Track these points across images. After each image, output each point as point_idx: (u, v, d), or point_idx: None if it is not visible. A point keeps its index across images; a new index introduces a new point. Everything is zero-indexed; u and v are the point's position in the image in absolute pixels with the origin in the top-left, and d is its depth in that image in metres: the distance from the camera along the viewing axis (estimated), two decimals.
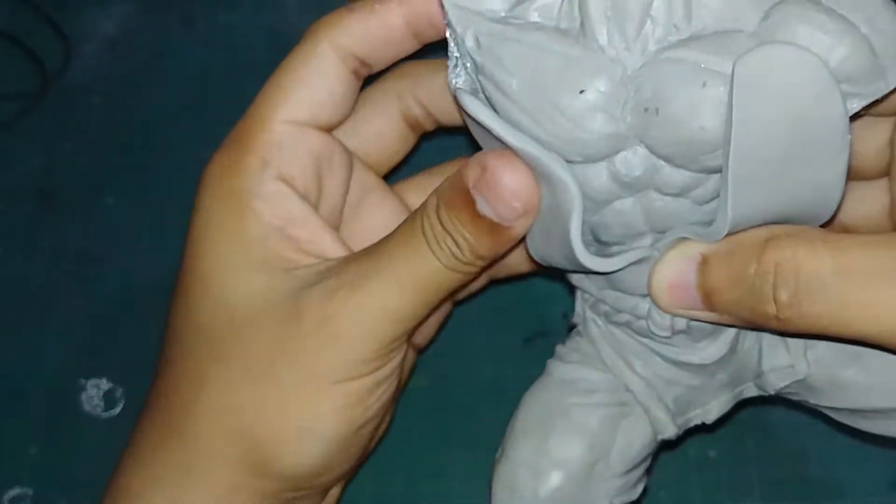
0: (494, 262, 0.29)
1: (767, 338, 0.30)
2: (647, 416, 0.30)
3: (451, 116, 0.34)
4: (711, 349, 0.29)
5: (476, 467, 0.36)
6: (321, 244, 0.30)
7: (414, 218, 0.28)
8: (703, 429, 0.32)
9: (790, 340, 0.30)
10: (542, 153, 0.26)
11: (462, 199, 0.27)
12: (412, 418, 0.37)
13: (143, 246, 0.42)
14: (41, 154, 0.44)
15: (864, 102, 0.26)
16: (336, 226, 0.33)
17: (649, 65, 0.25)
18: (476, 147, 0.29)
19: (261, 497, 0.30)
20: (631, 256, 0.28)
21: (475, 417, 0.38)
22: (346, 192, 0.33)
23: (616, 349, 0.30)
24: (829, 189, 0.26)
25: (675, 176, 0.26)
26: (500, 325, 0.39)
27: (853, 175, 0.28)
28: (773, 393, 0.30)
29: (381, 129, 0.34)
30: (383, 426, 0.33)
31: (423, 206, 0.28)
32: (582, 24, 0.26)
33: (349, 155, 0.33)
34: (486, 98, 0.27)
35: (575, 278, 0.31)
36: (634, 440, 0.30)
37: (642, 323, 0.29)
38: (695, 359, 0.30)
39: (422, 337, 0.36)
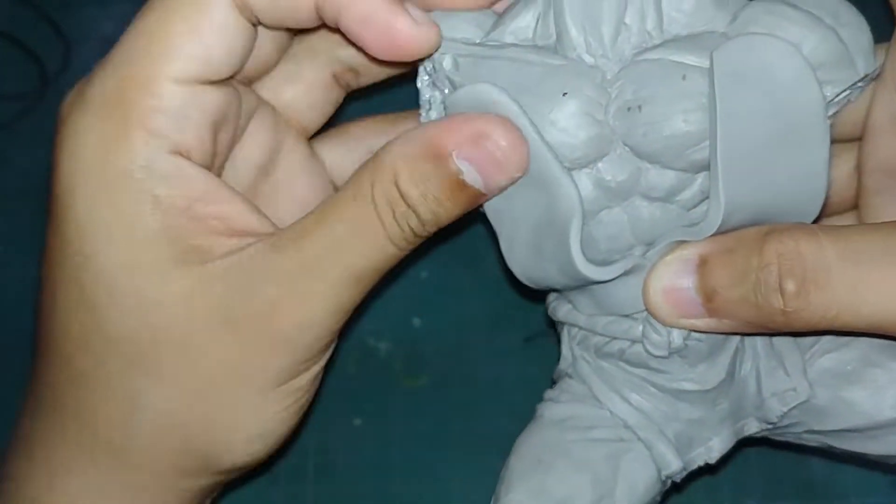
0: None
1: (765, 362, 0.29)
2: (649, 451, 0.29)
3: (377, 73, 0.32)
4: (709, 373, 0.28)
5: (476, 467, 0.36)
6: (236, 220, 0.27)
7: (361, 195, 0.26)
8: (706, 470, 0.31)
9: (789, 362, 0.29)
10: (562, 171, 0.25)
11: (441, 168, 0.25)
12: (412, 418, 0.37)
13: None
14: (41, 154, 0.44)
15: (838, 89, 0.27)
16: (249, 189, 0.30)
17: (628, 68, 0.26)
18: None
19: (195, 493, 0.30)
20: (624, 265, 0.27)
21: (475, 417, 0.38)
22: (260, 150, 0.30)
23: (609, 384, 0.29)
24: (815, 177, 0.26)
25: (661, 177, 0.26)
26: (500, 325, 0.39)
27: (824, 212, 0.28)
28: (774, 422, 0.29)
29: (309, 85, 0.31)
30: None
31: (371, 180, 0.26)
32: (558, 37, 0.27)
33: (255, 103, 0.30)
34: None
35: (562, 312, 0.30)
36: (638, 477, 0.29)
37: (637, 348, 0.28)
38: (692, 385, 0.28)
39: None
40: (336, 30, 0.27)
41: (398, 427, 0.36)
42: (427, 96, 0.28)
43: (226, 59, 0.27)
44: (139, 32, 0.26)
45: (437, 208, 0.26)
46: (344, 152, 0.33)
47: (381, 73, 0.31)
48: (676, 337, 0.28)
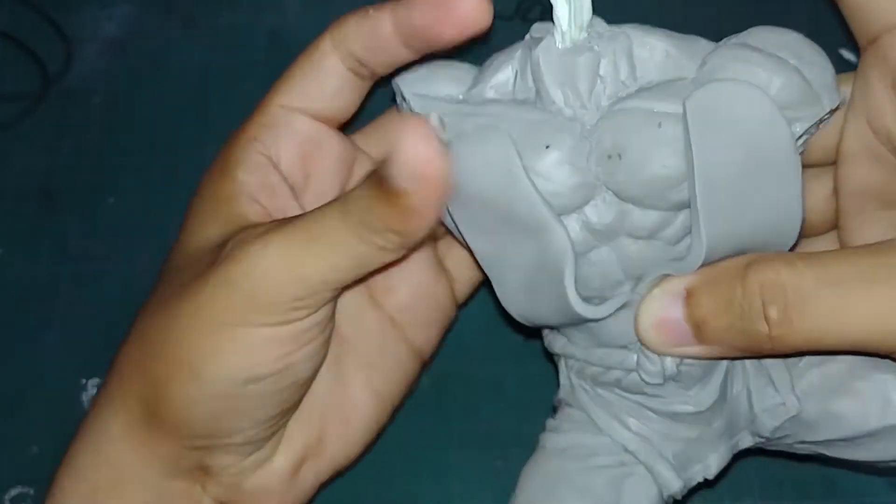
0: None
1: (755, 380, 0.30)
2: (650, 473, 0.30)
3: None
4: (703, 395, 0.29)
5: (476, 467, 0.36)
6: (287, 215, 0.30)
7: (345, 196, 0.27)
8: (705, 485, 0.31)
9: (777, 379, 0.30)
10: (551, 213, 0.27)
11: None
12: (412, 418, 0.37)
13: (144, 246, 0.42)
14: (42, 155, 0.45)
15: (807, 124, 0.28)
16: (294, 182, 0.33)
17: (605, 118, 0.27)
18: None
19: (155, 444, 0.29)
20: (617, 302, 0.28)
21: (475, 417, 0.38)
22: (343, 186, 0.33)
23: (608, 411, 0.30)
24: (790, 209, 0.28)
25: (645, 217, 0.28)
26: (500, 325, 0.39)
27: (805, 233, 0.30)
28: (767, 436, 0.30)
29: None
30: (285, 398, 0.30)
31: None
32: (537, 91, 0.28)
33: (351, 153, 0.34)
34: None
35: (558, 345, 0.31)
36: (642, 499, 0.29)
37: (633, 377, 0.29)
38: (688, 407, 0.29)
39: (428, 345, 0.35)
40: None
41: (398, 427, 0.36)
42: None
43: (321, 92, 0.32)
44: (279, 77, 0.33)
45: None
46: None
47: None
48: (669, 364, 0.29)
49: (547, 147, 0.27)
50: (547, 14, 0.28)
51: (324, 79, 0.32)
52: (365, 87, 0.33)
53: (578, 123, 0.28)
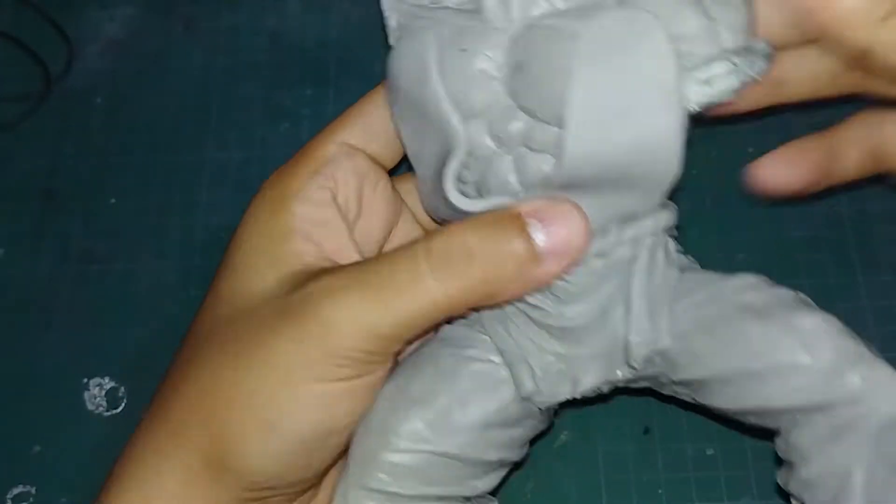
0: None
1: (636, 311, 0.30)
2: (510, 373, 0.31)
3: None
4: (577, 312, 0.30)
5: None
6: (343, 255, 0.31)
7: (416, 244, 0.28)
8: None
9: (655, 313, 0.30)
10: (451, 111, 0.29)
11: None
12: None
13: (146, 246, 0.42)
14: (44, 155, 0.45)
15: (699, 62, 0.28)
16: (368, 253, 0.33)
17: (526, 32, 0.28)
18: None
19: (215, 497, 0.29)
20: (492, 203, 0.29)
21: None
22: (387, 231, 0.33)
23: (498, 316, 0.31)
24: (665, 141, 0.28)
25: (543, 132, 0.28)
26: None
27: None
28: (637, 367, 0.31)
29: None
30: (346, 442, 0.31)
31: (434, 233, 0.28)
32: (478, 2, 0.29)
33: (398, 199, 0.34)
34: None
35: None
36: (494, 395, 0.30)
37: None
38: (563, 322, 0.30)
39: None
40: None
41: None
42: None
43: (381, 133, 0.33)
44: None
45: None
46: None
47: None
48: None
49: (463, 50, 0.28)
50: None
51: (382, 119, 0.32)
52: None
53: (504, 34, 0.28)
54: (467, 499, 0.31)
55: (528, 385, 0.30)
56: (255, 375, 0.28)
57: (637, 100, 0.27)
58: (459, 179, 0.30)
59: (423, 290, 0.27)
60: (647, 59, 0.27)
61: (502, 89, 0.29)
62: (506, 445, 0.31)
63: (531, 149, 0.29)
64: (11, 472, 0.38)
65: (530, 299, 0.30)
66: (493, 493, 0.33)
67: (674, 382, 0.31)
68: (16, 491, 0.38)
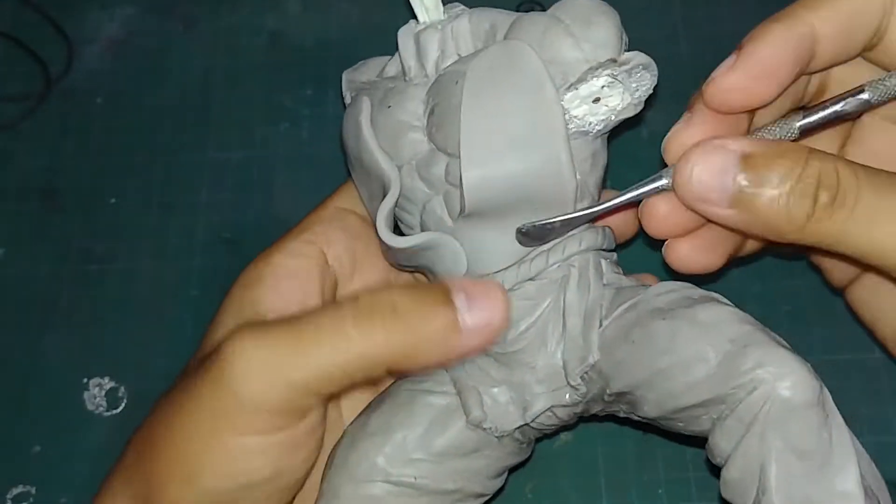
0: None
1: (569, 332, 0.31)
2: (459, 400, 0.31)
3: None
4: (518, 334, 0.31)
5: None
6: (309, 307, 0.31)
7: (345, 297, 0.29)
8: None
9: (585, 331, 0.31)
10: (383, 158, 0.31)
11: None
12: None
13: (145, 246, 0.42)
14: (44, 155, 0.45)
15: (572, 79, 0.30)
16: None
17: (436, 81, 0.31)
18: None
19: None
20: (415, 240, 0.31)
21: None
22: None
23: None
24: (552, 158, 0.30)
25: (457, 166, 0.30)
26: None
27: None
28: (576, 386, 0.31)
29: None
30: (277, 499, 0.30)
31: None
32: (403, 68, 0.33)
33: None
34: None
35: None
36: (447, 424, 0.31)
37: None
38: (506, 346, 0.31)
39: None
40: None
41: None
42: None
43: None
44: None
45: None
46: None
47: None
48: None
49: (389, 107, 0.31)
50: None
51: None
52: None
53: (423, 88, 0.31)
54: None
55: (477, 413, 0.31)
56: (178, 422, 0.28)
57: (521, 122, 0.29)
58: (403, 223, 0.32)
59: (344, 340, 0.27)
60: (524, 83, 0.29)
61: (425, 137, 0.31)
62: (465, 475, 0.31)
63: (453, 185, 0.30)
64: (11, 472, 0.38)
65: None
66: (494, 493, 0.33)
67: (615, 400, 0.31)
68: (16, 491, 0.38)
